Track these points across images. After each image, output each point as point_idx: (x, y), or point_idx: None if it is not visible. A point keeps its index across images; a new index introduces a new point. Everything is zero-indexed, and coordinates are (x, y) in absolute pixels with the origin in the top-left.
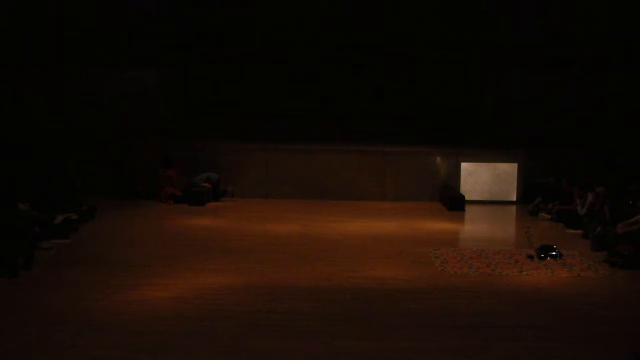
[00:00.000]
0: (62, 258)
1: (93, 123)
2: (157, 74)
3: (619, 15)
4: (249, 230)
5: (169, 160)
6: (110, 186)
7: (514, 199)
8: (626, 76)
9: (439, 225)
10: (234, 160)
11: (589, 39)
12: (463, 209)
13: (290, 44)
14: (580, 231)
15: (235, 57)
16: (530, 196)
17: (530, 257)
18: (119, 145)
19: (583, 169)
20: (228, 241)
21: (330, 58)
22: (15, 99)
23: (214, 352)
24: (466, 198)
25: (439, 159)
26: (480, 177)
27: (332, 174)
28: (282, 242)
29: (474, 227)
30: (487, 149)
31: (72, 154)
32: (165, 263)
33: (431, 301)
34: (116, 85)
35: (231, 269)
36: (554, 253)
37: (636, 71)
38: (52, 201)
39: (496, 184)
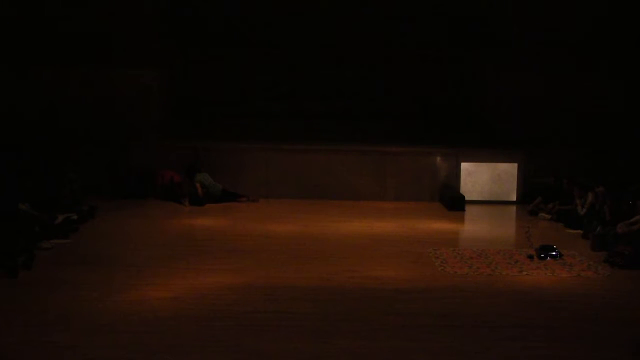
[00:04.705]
0: (62, 258)
1: (92, 123)
2: (156, 74)
3: (618, 15)
4: (249, 230)
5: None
6: (109, 186)
7: (514, 199)
8: (626, 76)
9: (439, 225)
10: (234, 160)
11: (588, 39)
12: (463, 209)
13: (290, 43)
14: (580, 231)
15: (234, 57)
16: (530, 196)
17: (530, 257)
18: (118, 146)
19: (583, 169)
20: (228, 241)
21: (330, 58)
22: (14, 100)
23: (214, 352)
24: (466, 198)
25: (439, 159)
26: (480, 177)
27: (332, 174)
28: (282, 242)
29: (474, 227)
30: (487, 149)
31: (71, 154)
32: (165, 263)
33: (431, 301)
34: (115, 85)
35: (231, 269)
36: (554, 253)
37: (636, 71)
38: (52, 201)
39: (496, 184)
